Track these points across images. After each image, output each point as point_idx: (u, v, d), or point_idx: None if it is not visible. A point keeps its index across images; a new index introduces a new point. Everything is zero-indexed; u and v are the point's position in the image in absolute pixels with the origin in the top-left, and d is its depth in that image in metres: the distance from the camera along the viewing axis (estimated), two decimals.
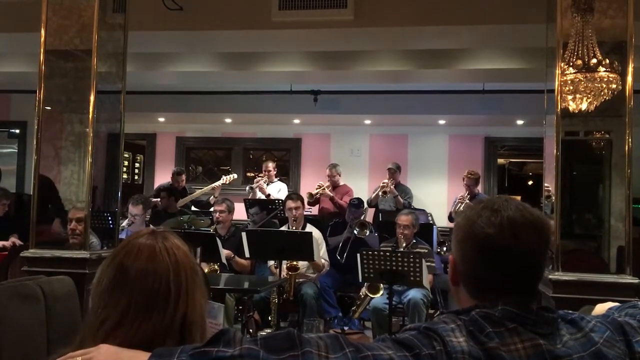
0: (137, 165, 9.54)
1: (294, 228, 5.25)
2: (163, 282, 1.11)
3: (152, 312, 1.09)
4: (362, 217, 6.35)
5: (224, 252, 4.83)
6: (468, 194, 6.67)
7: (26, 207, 4.30)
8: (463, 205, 6.32)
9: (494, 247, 1.09)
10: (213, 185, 7.06)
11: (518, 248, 1.09)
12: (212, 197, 6.93)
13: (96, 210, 3.64)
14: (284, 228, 5.43)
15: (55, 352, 1.12)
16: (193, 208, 7.15)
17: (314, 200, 7.03)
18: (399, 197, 6.97)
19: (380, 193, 6.93)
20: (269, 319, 4.99)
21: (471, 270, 1.14)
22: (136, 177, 9.51)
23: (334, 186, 7.16)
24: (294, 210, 5.29)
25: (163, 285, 1.11)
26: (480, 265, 1.12)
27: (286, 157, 8.80)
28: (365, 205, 6.82)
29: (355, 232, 5.70)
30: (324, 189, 6.99)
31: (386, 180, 7.03)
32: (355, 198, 6.48)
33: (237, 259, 5.14)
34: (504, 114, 7.34)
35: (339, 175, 7.25)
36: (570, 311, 1.16)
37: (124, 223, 5.10)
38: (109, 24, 3.59)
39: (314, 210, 7.27)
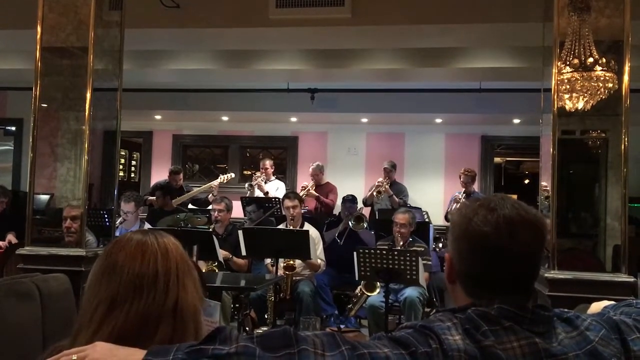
0: (133, 163, 9.53)
1: (291, 227, 5.24)
2: (151, 264, 1.13)
3: (142, 293, 1.10)
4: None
5: (222, 253, 4.82)
6: (464, 193, 6.67)
7: (22, 205, 4.29)
8: (459, 205, 6.31)
9: (489, 246, 1.09)
10: (210, 184, 7.06)
11: (514, 246, 1.09)
12: (211, 195, 6.92)
13: (92, 208, 3.63)
14: (281, 226, 5.43)
15: (51, 344, 1.13)
16: (190, 206, 7.13)
17: None
18: (393, 196, 6.97)
19: (374, 193, 6.94)
20: (266, 316, 4.99)
21: (467, 268, 1.14)
22: (132, 175, 9.49)
23: (317, 184, 7.21)
24: (291, 209, 5.27)
25: (151, 268, 1.13)
26: (476, 264, 1.12)
27: (283, 155, 8.79)
28: (361, 205, 6.83)
29: (350, 224, 5.70)
30: (308, 189, 7.01)
31: (381, 179, 7.03)
32: (348, 195, 6.50)
33: (235, 259, 5.11)
34: (500, 112, 7.35)
35: (322, 174, 7.32)
36: (566, 310, 1.16)
37: (117, 221, 5.08)
38: (105, 21, 3.58)
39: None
